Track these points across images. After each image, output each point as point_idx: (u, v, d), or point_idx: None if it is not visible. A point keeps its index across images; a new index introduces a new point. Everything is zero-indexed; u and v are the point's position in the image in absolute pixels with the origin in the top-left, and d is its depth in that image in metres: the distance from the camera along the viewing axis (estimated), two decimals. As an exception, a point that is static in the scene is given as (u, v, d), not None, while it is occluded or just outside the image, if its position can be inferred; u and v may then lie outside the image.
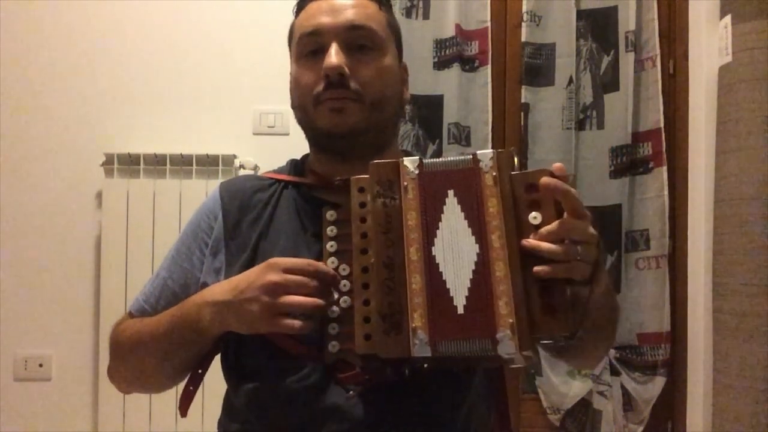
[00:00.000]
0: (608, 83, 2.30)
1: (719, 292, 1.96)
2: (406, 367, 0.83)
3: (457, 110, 2.25)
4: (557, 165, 0.79)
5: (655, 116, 2.25)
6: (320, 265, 0.85)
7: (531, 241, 0.77)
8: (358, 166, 0.89)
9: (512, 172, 0.80)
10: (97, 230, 2.26)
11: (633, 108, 2.25)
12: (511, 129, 2.33)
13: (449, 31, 2.27)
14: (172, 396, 0.96)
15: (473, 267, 0.78)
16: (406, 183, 0.81)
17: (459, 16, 2.27)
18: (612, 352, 2.21)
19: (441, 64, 2.27)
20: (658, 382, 2.22)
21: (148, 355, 0.96)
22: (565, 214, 0.77)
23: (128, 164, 2.23)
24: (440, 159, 0.83)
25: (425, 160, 0.83)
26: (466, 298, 0.78)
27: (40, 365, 2.25)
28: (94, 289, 2.25)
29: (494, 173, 0.79)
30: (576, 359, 1.06)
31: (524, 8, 2.28)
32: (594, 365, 2.05)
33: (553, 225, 0.77)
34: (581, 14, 2.30)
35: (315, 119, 0.97)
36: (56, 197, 2.28)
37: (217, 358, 0.98)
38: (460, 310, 0.78)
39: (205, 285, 0.96)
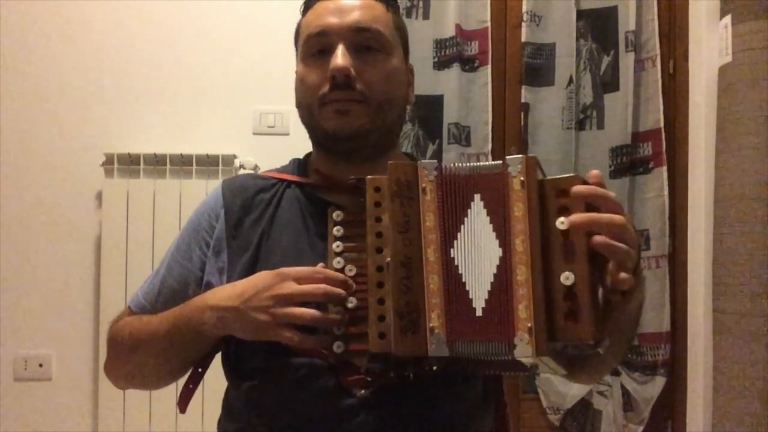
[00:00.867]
0: (608, 83, 2.30)
1: (719, 292, 1.96)
2: (411, 371, 0.82)
3: (457, 110, 2.25)
4: (594, 172, 0.78)
5: (655, 116, 2.26)
6: (330, 272, 0.84)
7: (582, 216, 0.74)
8: (362, 167, 0.89)
9: (544, 177, 0.79)
10: (97, 230, 2.26)
11: (633, 108, 2.25)
12: (511, 129, 2.33)
13: (449, 31, 2.27)
14: (172, 396, 0.96)
15: (494, 270, 0.78)
16: (424, 185, 0.81)
17: (459, 16, 2.27)
18: (612, 352, 2.21)
19: (441, 64, 2.27)
20: (658, 382, 2.22)
21: (148, 355, 0.96)
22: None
23: (128, 164, 2.23)
24: (466, 164, 0.83)
25: (448, 164, 0.83)
26: (486, 300, 0.78)
27: (40, 365, 2.25)
28: (94, 289, 2.25)
29: (522, 178, 0.78)
30: (589, 374, 1.02)
31: (524, 8, 2.28)
32: (596, 381, 2.03)
33: (602, 216, 0.74)
34: (581, 14, 2.30)
35: (320, 120, 0.96)
36: (56, 197, 2.28)
37: (218, 356, 0.98)
38: (479, 312, 0.77)
39: (208, 284, 0.96)
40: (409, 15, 2.27)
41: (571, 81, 2.26)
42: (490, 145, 2.26)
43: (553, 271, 0.75)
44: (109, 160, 2.23)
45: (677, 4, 2.31)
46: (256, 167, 2.25)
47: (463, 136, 2.27)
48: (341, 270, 0.85)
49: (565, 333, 0.75)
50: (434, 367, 0.81)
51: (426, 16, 2.29)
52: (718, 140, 2.01)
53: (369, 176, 0.84)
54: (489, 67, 2.28)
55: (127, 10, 2.32)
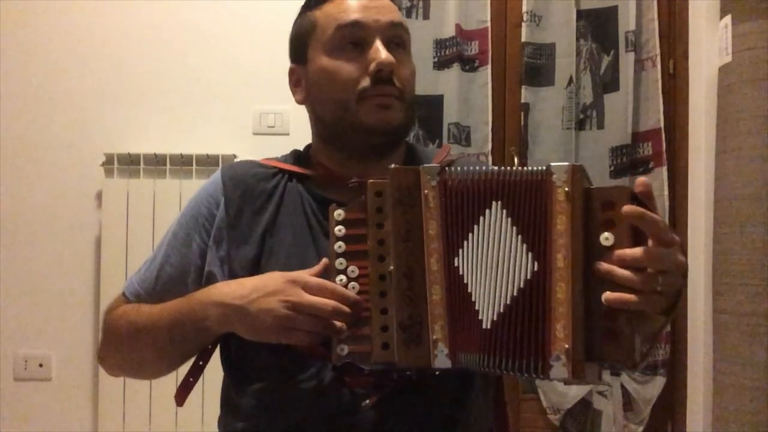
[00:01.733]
0: (608, 83, 2.30)
1: (719, 292, 1.96)
2: (414, 372, 0.82)
3: (457, 110, 2.25)
4: (641, 180, 0.74)
5: (655, 116, 2.25)
6: (347, 292, 0.82)
7: (605, 266, 0.72)
8: (370, 164, 0.88)
9: (588, 187, 0.75)
10: (97, 230, 2.26)
11: (633, 108, 2.24)
12: (511, 129, 2.33)
13: (449, 31, 2.27)
14: (171, 396, 0.96)
15: (521, 285, 0.75)
16: (426, 191, 0.79)
17: (459, 16, 2.27)
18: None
19: (441, 64, 2.27)
20: (658, 382, 2.22)
21: (147, 346, 0.95)
22: (650, 242, 0.72)
23: (128, 164, 2.23)
24: (481, 168, 0.79)
25: (455, 168, 0.79)
26: (500, 314, 0.75)
27: (40, 365, 2.25)
28: (94, 289, 2.25)
29: (567, 189, 0.73)
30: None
31: (524, 8, 2.28)
32: None
33: (637, 251, 0.71)
34: (581, 14, 2.30)
35: (359, 115, 0.93)
36: (56, 197, 2.28)
37: (216, 353, 0.97)
38: (486, 325, 0.76)
39: (210, 274, 0.95)
40: (409, 15, 2.27)
41: (571, 81, 2.26)
42: (490, 145, 2.26)
43: (592, 290, 0.72)
44: (109, 160, 2.23)
45: (677, 4, 2.31)
46: (256, 167, 2.24)
47: (463, 136, 2.27)
48: (343, 271, 0.83)
49: (601, 353, 0.72)
50: (437, 372, 0.80)
51: (426, 16, 2.28)
52: (718, 140, 2.01)
53: (370, 180, 0.82)
54: (489, 67, 2.28)
55: (127, 11, 2.32)
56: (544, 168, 0.75)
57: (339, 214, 0.85)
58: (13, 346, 2.25)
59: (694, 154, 2.23)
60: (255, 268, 0.91)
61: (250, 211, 0.96)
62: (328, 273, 0.84)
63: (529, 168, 0.77)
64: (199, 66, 2.31)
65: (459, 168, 0.80)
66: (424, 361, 0.77)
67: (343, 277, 0.83)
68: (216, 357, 0.97)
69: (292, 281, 0.83)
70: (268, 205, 0.96)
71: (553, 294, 0.73)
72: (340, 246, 0.84)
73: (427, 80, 2.24)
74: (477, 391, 0.94)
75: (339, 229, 0.84)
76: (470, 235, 0.78)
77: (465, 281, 0.77)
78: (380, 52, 0.92)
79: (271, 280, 0.85)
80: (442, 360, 0.76)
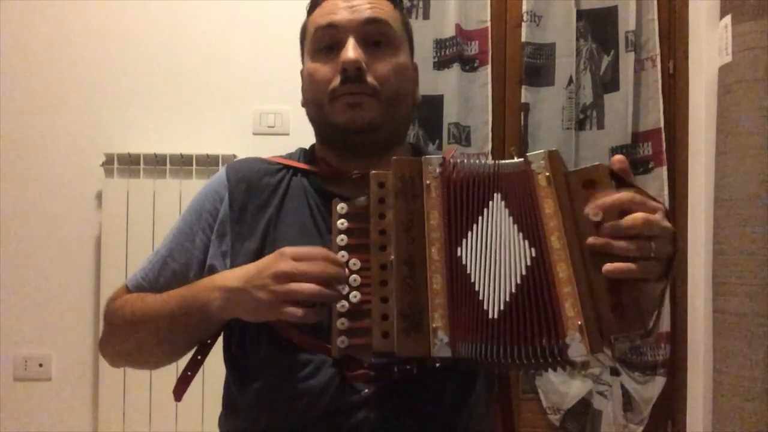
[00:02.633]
0: (608, 83, 2.30)
1: (719, 292, 1.96)
2: (415, 366, 0.82)
3: (457, 110, 2.25)
4: (618, 157, 0.77)
5: (655, 116, 2.25)
6: (329, 252, 0.83)
7: (600, 239, 0.74)
8: (369, 162, 0.88)
9: (568, 170, 0.78)
10: (97, 230, 2.26)
11: (633, 108, 2.24)
12: (511, 129, 2.33)
13: (449, 31, 2.27)
14: (171, 396, 0.96)
15: (523, 272, 0.76)
16: (428, 182, 0.80)
17: (459, 16, 2.27)
18: (612, 351, 2.21)
19: (441, 64, 2.27)
20: (658, 382, 2.22)
21: (149, 334, 0.95)
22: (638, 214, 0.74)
23: (128, 164, 2.23)
24: (482, 161, 0.81)
25: (458, 159, 0.81)
26: (507, 303, 0.76)
27: (40, 365, 2.25)
28: (94, 289, 2.25)
29: (547, 173, 0.77)
30: None
31: (524, 8, 2.28)
32: None
33: (627, 219, 0.73)
34: (581, 14, 2.30)
35: (331, 115, 0.95)
36: (56, 197, 2.28)
37: (218, 352, 0.97)
38: (492, 315, 0.76)
39: (211, 268, 0.96)
40: (409, 15, 2.26)
41: (571, 81, 2.26)
42: (490, 145, 2.26)
43: (592, 265, 0.74)
44: (109, 160, 2.24)
45: (677, 4, 2.31)
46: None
47: (463, 136, 2.27)
48: (345, 263, 0.83)
49: (614, 327, 0.73)
50: (437, 364, 0.80)
51: (426, 16, 2.29)
52: (718, 140, 2.01)
53: (373, 171, 0.83)
54: (489, 67, 2.28)
55: (127, 11, 2.32)
56: (522, 159, 0.79)
57: (342, 207, 0.86)
58: (13, 346, 2.25)
59: (694, 154, 2.23)
60: (258, 259, 0.91)
61: (255, 205, 0.97)
62: None
63: (511, 160, 0.80)
64: (199, 66, 2.32)
65: (460, 160, 0.81)
66: (424, 350, 0.77)
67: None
68: (216, 357, 0.97)
69: (281, 253, 0.84)
70: (272, 199, 0.97)
71: (555, 275, 0.75)
72: (342, 239, 0.85)
73: (427, 80, 2.24)
74: (478, 394, 0.95)
75: (341, 223, 0.85)
76: (474, 225, 0.79)
77: (468, 271, 0.78)
78: (347, 50, 0.93)
79: (264, 259, 0.86)
80: (441, 348, 0.76)
